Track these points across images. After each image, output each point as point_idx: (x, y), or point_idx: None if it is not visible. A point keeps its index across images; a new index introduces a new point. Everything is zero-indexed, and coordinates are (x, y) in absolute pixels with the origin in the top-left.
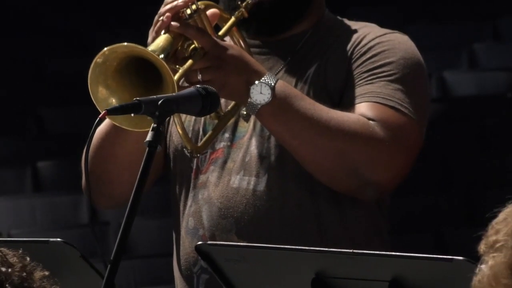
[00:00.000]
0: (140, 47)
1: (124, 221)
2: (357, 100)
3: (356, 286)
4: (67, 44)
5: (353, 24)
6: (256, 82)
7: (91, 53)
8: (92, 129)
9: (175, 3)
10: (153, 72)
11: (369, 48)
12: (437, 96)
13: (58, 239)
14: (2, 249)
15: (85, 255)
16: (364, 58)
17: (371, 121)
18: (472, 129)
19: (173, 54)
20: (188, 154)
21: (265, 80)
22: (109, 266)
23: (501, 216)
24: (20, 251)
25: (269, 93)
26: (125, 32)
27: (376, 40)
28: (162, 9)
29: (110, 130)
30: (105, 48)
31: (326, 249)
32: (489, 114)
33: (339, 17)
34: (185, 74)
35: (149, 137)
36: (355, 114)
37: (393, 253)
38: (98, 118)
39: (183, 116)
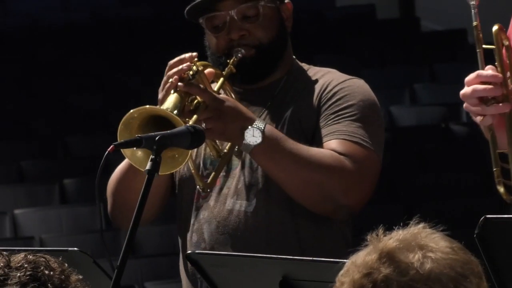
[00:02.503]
0: (158, 107)
1: (128, 236)
2: (328, 137)
3: (316, 286)
4: (89, 84)
5: (318, 71)
6: (249, 127)
7: (108, 90)
8: (103, 160)
9: (180, 67)
10: (169, 125)
11: (334, 93)
12: (385, 126)
13: (75, 249)
14: (46, 256)
15: (96, 261)
16: (330, 102)
17: (341, 156)
18: (413, 153)
19: (182, 109)
20: (201, 190)
21: (256, 125)
22: (116, 271)
23: (344, 268)
24: (60, 259)
25: (260, 136)
26: (136, 74)
27: (339, 86)
28: (170, 72)
29: (128, 167)
30: (132, 110)
31: (290, 257)
32: (427, 141)
33: (304, 64)
34: None
35: (148, 166)
36: (328, 150)
37: (343, 260)
38: (107, 152)
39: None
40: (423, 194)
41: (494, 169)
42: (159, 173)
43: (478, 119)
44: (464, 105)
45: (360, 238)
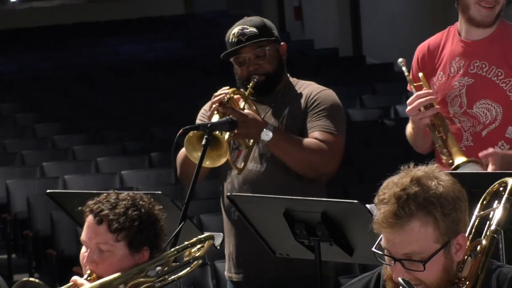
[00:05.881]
0: (210, 123)
1: (190, 188)
2: (312, 130)
3: (305, 215)
4: (164, 97)
5: (303, 83)
6: (264, 129)
7: (177, 100)
8: (175, 140)
9: (219, 97)
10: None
11: (315, 100)
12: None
13: (159, 192)
14: (139, 193)
15: (173, 199)
16: (313, 105)
17: (321, 142)
18: (362, 137)
19: None
20: (237, 172)
21: (268, 127)
22: (183, 206)
23: (385, 184)
24: (148, 195)
25: (271, 135)
26: (195, 90)
27: (317, 95)
28: (214, 99)
29: (188, 158)
30: (190, 133)
31: (289, 197)
32: (370, 130)
33: (294, 79)
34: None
35: (203, 142)
36: (313, 139)
37: (322, 199)
38: (178, 134)
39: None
40: (368, 162)
41: (437, 145)
42: (211, 166)
43: (422, 122)
44: (411, 117)
45: (331, 189)
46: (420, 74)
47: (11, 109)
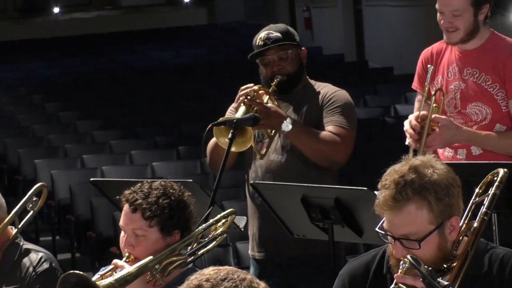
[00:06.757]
0: (235, 116)
1: (218, 176)
2: (327, 124)
3: (320, 200)
4: (190, 97)
5: (320, 84)
6: (284, 121)
7: (201, 100)
8: (205, 134)
9: (246, 91)
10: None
11: (330, 98)
12: None
13: (190, 180)
14: (171, 182)
15: (202, 186)
16: (328, 103)
17: (335, 135)
18: (365, 133)
19: (247, 113)
20: (259, 158)
21: (288, 120)
22: (212, 192)
23: (387, 171)
24: (178, 183)
25: (290, 126)
26: (217, 91)
27: (332, 94)
28: (241, 92)
29: (217, 145)
30: (222, 126)
31: (306, 184)
32: (372, 126)
33: (312, 80)
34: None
35: (229, 135)
36: (327, 132)
37: (336, 186)
38: (207, 129)
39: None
40: (371, 155)
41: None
42: (237, 150)
43: (407, 142)
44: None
45: (339, 179)
46: (433, 92)
47: (55, 108)
